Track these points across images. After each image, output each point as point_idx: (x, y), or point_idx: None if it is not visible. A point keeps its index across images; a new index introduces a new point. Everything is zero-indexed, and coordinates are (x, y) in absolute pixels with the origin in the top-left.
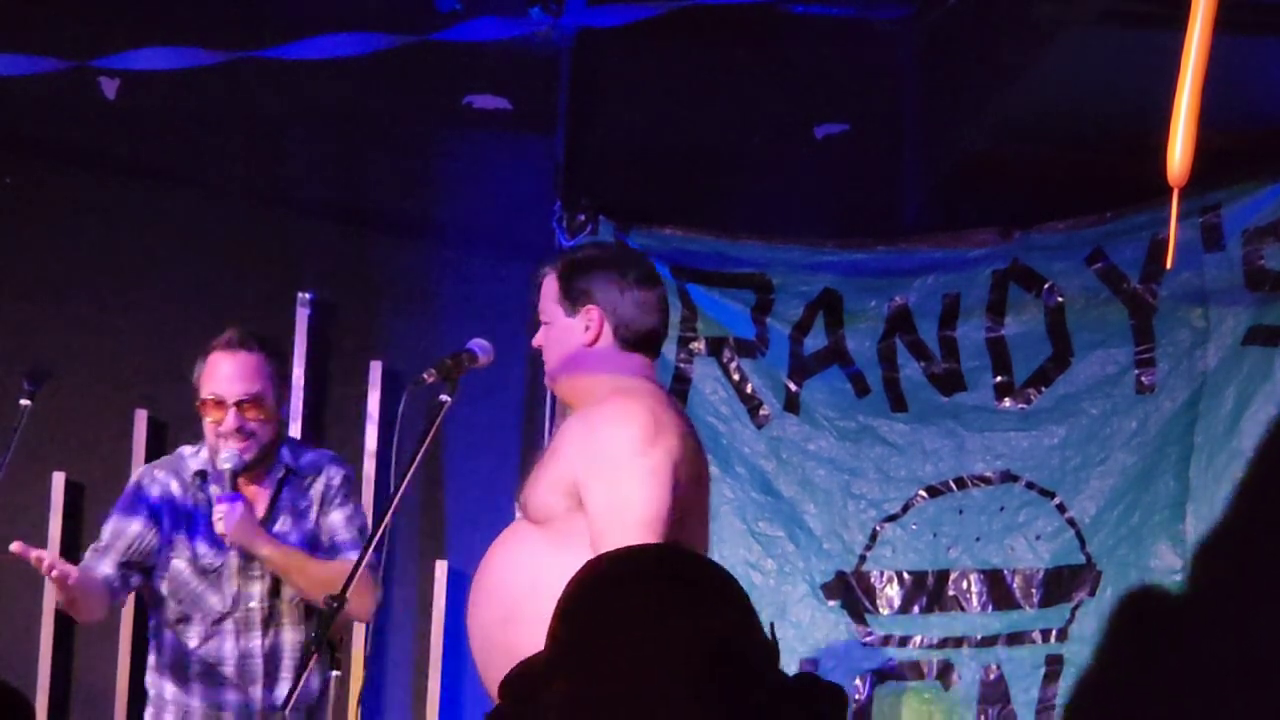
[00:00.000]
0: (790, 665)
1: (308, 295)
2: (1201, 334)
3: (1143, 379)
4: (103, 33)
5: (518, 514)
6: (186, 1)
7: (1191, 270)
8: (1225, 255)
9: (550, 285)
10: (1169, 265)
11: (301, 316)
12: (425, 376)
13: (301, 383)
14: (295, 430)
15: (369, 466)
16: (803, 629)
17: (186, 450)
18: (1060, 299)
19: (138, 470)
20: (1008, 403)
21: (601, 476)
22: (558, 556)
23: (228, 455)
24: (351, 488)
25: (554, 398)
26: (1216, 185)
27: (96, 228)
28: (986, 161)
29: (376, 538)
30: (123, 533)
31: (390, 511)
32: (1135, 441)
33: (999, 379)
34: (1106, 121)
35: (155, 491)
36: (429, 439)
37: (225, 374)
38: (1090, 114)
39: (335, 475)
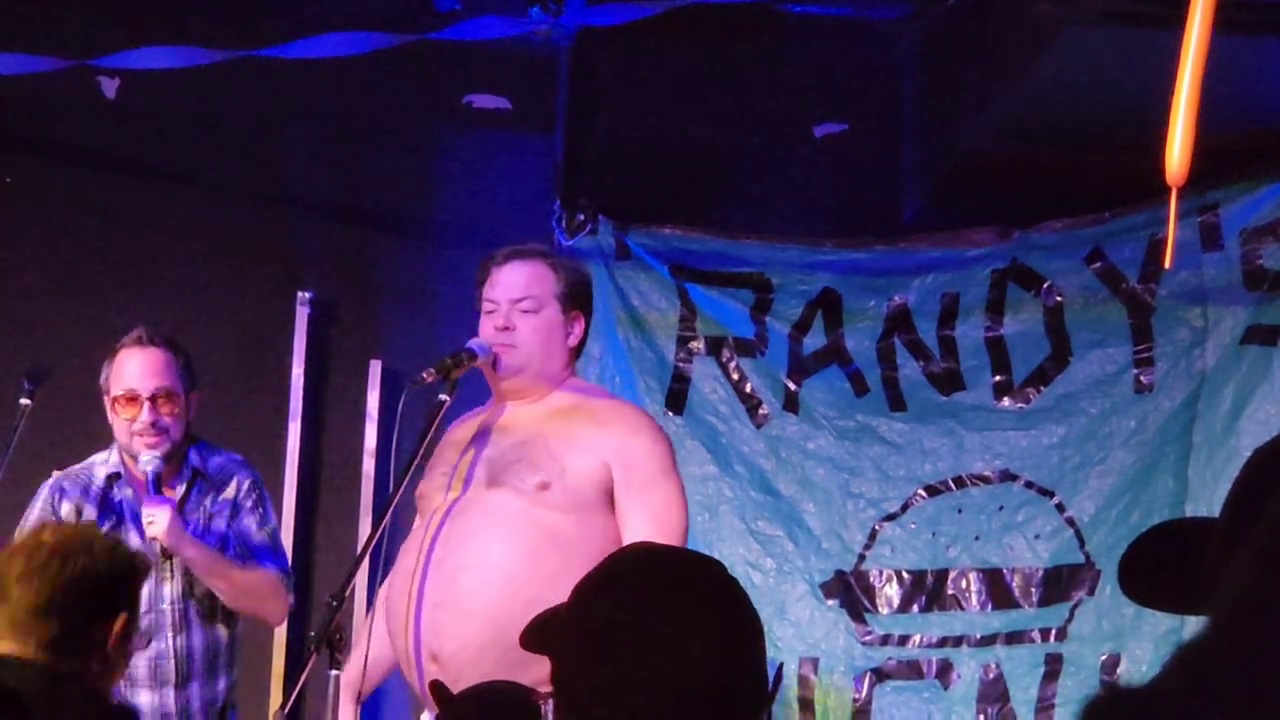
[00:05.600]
0: (789, 664)
1: (307, 294)
2: (1200, 333)
3: (1141, 378)
4: (103, 32)
5: (471, 491)
6: (187, 1)
7: (1190, 270)
8: (1224, 255)
9: (547, 275)
10: (1167, 265)
11: (301, 315)
12: (424, 376)
13: (301, 382)
14: (294, 430)
15: (368, 465)
16: (802, 628)
17: (98, 458)
18: (1059, 298)
19: (48, 483)
20: (1006, 402)
21: (648, 486)
22: (588, 546)
23: (148, 458)
24: (261, 492)
25: None
26: (1215, 185)
27: (96, 227)
28: (985, 161)
29: (376, 536)
30: None
31: (389, 510)
32: (1134, 441)
33: (998, 378)
34: (1105, 121)
35: (65, 508)
36: (428, 438)
37: (136, 370)
38: (1089, 114)
39: (245, 480)
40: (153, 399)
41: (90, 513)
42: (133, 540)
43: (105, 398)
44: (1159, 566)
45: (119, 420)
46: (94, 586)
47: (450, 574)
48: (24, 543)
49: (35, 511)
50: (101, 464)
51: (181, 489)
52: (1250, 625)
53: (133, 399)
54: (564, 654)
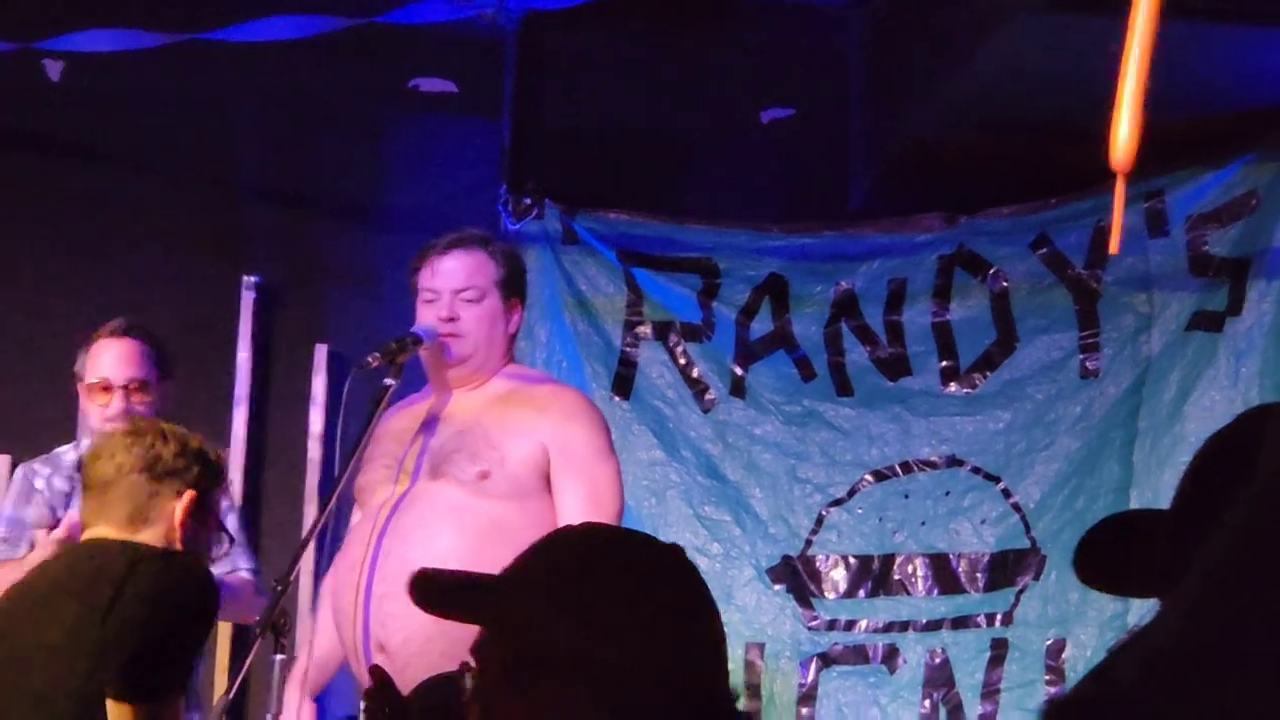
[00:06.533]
0: (735, 650)
1: (253, 279)
2: (1145, 319)
3: (1087, 364)
4: (47, 14)
5: (416, 483)
6: None
7: (1136, 256)
8: (1169, 241)
9: (488, 264)
10: (1113, 251)
11: (246, 300)
12: (370, 360)
13: (246, 366)
14: (239, 416)
15: (313, 450)
16: (748, 613)
17: (64, 449)
18: (1005, 284)
19: (19, 469)
20: (953, 387)
21: (584, 466)
22: (533, 532)
23: None
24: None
25: None
26: (1161, 171)
27: (40, 210)
28: (932, 147)
29: (322, 521)
30: (26, 524)
31: (335, 495)
32: (1080, 426)
33: (944, 364)
34: (1052, 107)
35: (39, 483)
36: (374, 423)
37: (112, 359)
38: (1036, 99)
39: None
40: (125, 388)
41: (62, 485)
42: None
43: (79, 385)
44: (1113, 551)
45: (93, 407)
46: (159, 463)
47: (397, 566)
48: (105, 433)
49: (10, 498)
50: (70, 450)
51: None
52: (1212, 621)
53: (106, 388)
54: (504, 625)
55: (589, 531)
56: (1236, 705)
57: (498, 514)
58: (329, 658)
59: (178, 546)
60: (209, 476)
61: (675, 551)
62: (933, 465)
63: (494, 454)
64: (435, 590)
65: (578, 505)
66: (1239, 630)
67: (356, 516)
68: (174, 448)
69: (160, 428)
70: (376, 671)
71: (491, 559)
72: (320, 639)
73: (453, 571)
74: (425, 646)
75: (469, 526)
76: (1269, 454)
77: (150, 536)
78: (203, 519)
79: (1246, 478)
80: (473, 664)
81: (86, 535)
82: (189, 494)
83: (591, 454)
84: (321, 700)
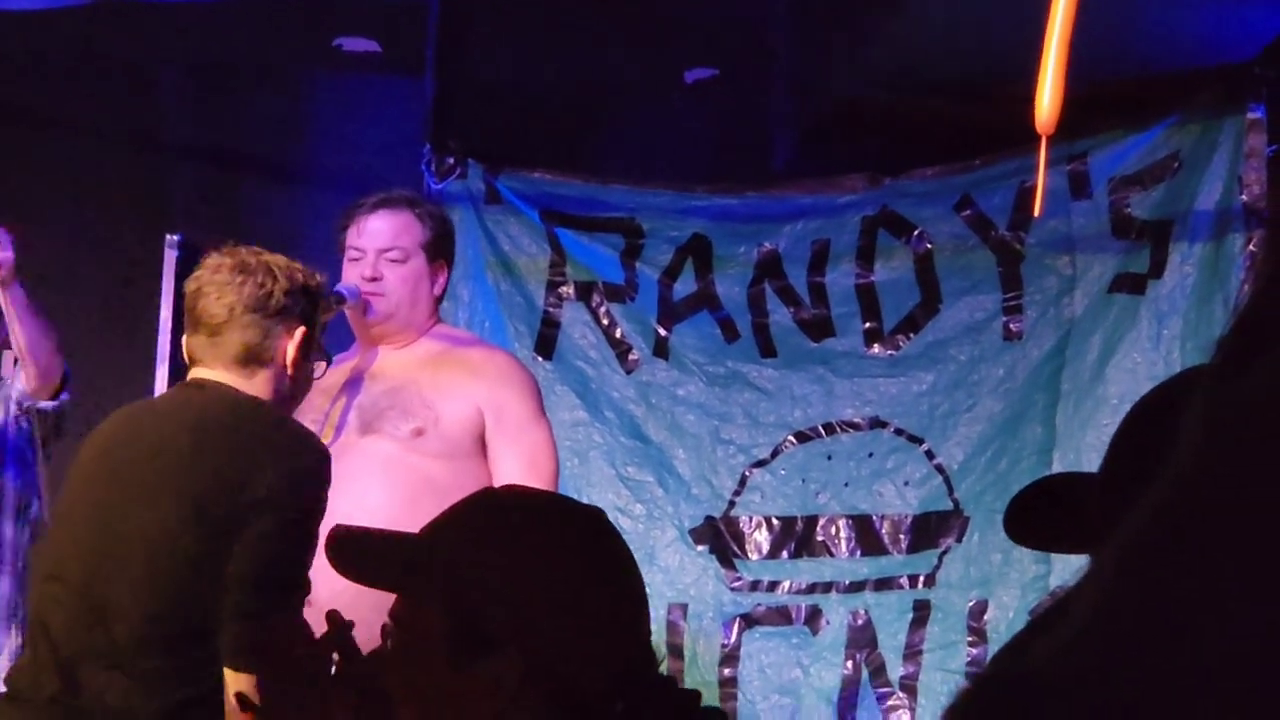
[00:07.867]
0: (658, 610)
1: (176, 237)
2: (1068, 281)
3: (1010, 326)
4: None
5: (344, 438)
6: None
7: (1059, 218)
8: (1092, 203)
9: (414, 225)
10: (1037, 213)
11: (170, 259)
12: None
13: (169, 325)
14: (163, 374)
15: None
16: (671, 574)
17: None
18: (929, 246)
19: None
20: (877, 349)
21: (519, 430)
22: (464, 492)
23: None
24: None
25: None
26: (1084, 133)
27: None
28: (856, 108)
29: None
30: None
31: None
32: (1003, 388)
33: (868, 325)
34: (976, 69)
35: None
36: None
37: None
38: (960, 61)
39: None
40: None
41: None
42: None
43: None
44: (1044, 512)
45: None
46: (271, 300)
47: (327, 519)
48: (208, 264)
49: None
50: None
51: None
52: (1127, 602)
53: None
54: (440, 597)
55: (514, 497)
56: (1151, 687)
57: (430, 471)
58: None
59: (289, 384)
60: (315, 307)
61: (598, 516)
62: (856, 427)
63: (428, 413)
64: (359, 560)
65: (515, 469)
66: (1155, 610)
67: None
68: (283, 284)
69: (265, 261)
70: (334, 616)
71: (424, 515)
72: None
73: (371, 534)
74: (356, 599)
75: (402, 482)
76: (1188, 428)
77: (263, 379)
78: (311, 351)
79: (1172, 442)
80: (392, 633)
81: (196, 373)
82: (300, 331)
83: (526, 418)
84: None
